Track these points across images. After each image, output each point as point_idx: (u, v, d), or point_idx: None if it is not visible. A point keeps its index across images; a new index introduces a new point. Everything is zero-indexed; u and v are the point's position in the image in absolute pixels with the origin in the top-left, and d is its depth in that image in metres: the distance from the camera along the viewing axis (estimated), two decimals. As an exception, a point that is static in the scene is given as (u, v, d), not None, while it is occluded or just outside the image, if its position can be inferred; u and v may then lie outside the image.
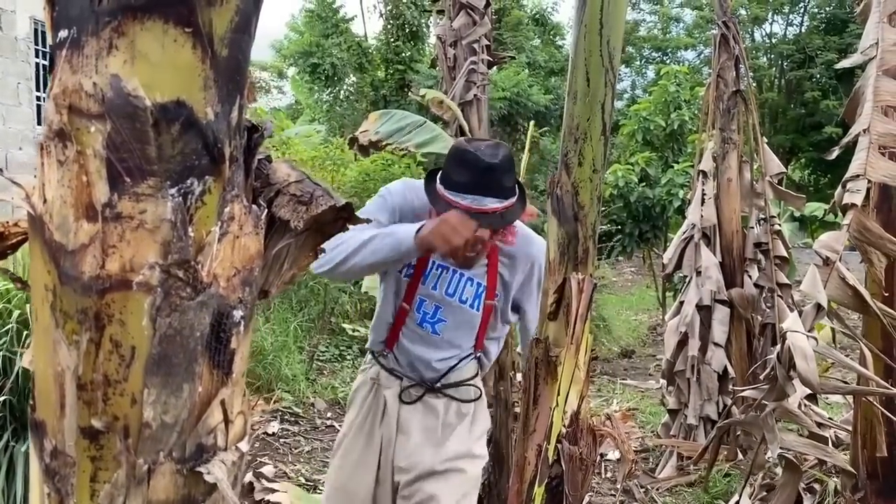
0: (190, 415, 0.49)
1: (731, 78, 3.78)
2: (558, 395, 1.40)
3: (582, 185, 1.32)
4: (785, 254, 3.81)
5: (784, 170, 3.77)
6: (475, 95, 3.36)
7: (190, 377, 0.49)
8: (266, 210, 0.54)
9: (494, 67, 3.93)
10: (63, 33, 0.44)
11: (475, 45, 3.57)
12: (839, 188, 2.14)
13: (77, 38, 0.44)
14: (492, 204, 1.59)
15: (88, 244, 0.45)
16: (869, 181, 2.11)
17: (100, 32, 0.43)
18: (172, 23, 0.44)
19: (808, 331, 2.05)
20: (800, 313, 2.16)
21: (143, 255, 0.45)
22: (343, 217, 0.57)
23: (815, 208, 9.87)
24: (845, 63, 2.39)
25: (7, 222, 0.53)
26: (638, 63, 23.54)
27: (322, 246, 0.58)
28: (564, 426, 1.44)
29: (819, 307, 2.08)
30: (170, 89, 0.44)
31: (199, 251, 0.47)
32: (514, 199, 1.64)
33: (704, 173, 3.84)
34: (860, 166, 2.10)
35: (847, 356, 2.36)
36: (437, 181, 1.66)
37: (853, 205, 2.06)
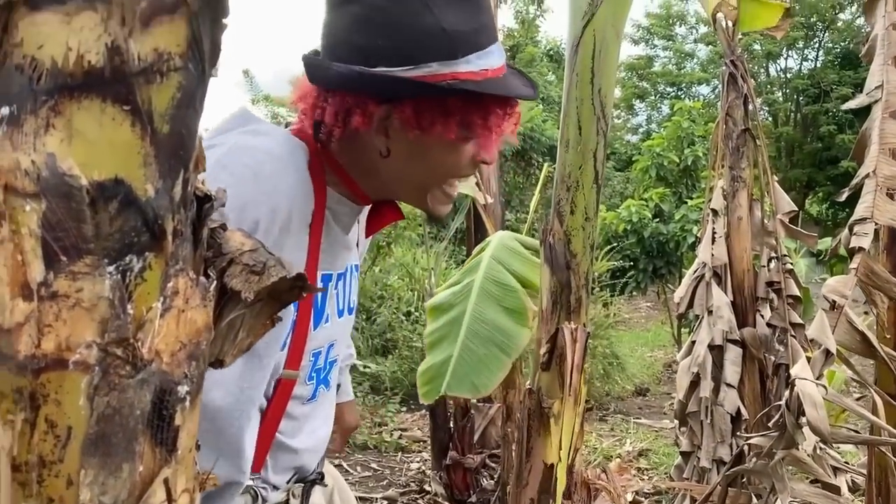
0: (130, 495, 0.48)
1: (739, 116, 3.76)
2: (560, 448, 1.38)
3: (574, 233, 1.31)
4: (798, 293, 3.75)
5: (795, 208, 3.74)
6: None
7: (130, 456, 0.47)
8: (217, 281, 0.53)
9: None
10: (4, 111, 0.44)
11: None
12: (846, 230, 2.12)
13: (17, 115, 0.44)
14: (500, 61, 1.01)
15: (24, 323, 0.44)
16: (877, 224, 2.09)
17: (38, 111, 0.43)
18: (110, 101, 0.43)
19: (818, 377, 2.01)
20: (808, 359, 2.12)
21: (80, 334, 0.45)
22: (298, 286, 0.56)
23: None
24: (851, 104, 2.39)
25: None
26: (653, 98, 23.65)
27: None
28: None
29: (828, 353, 2.04)
30: (108, 167, 0.44)
31: (140, 328, 0.47)
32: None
33: (715, 211, 3.82)
34: (867, 209, 2.07)
35: (860, 403, 2.31)
36: (398, 66, 0.94)
37: (860, 248, 2.03)
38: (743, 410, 3.81)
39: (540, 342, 1.37)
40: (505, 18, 19.10)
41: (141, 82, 0.44)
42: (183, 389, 0.50)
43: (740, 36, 4.08)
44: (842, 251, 2.13)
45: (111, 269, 0.45)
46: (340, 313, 1.11)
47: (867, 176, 2.13)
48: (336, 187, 1.05)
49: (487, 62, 0.96)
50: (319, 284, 1.02)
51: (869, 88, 2.25)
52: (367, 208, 1.11)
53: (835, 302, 2.02)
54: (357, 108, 0.96)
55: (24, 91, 0.44)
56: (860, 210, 2.09)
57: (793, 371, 1.88)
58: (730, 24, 3.90)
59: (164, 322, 0.48)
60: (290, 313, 0.98)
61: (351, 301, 1.15)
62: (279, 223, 0.92)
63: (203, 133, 0.59)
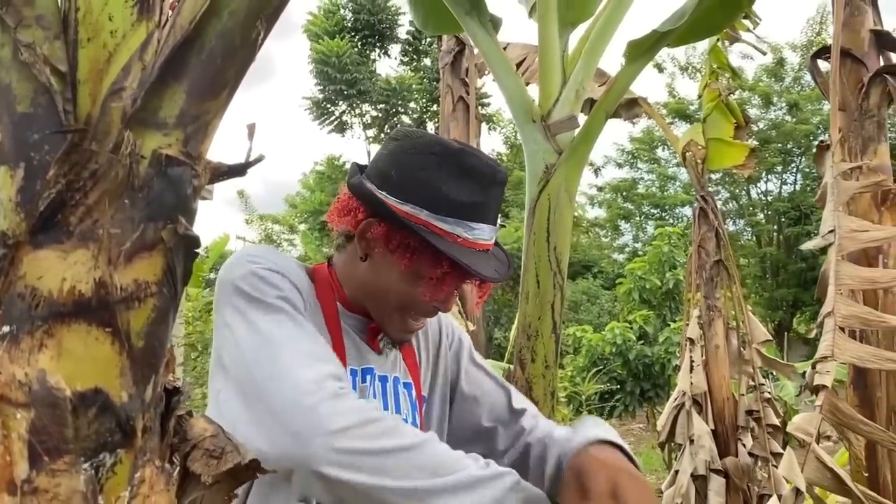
0: None
1: (711, 248, 3.93)
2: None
3: (535, 380, 1.39)
4: (777, 422, 3.79)
5: (770, 337, 3.84)
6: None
7: None
8: (180, 465, 0.60)
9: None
10: (5, 329, 0.53)
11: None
12: (810, 368, 2.20)
13: (16, 334, 0.52)
14: (486, 238, 1.11)
15: (7, 515, 0.51)
16: (838, 362, 2.17)
17: (34, 332, 0.52)
18: (95, 324, 0.52)
19: (787, 516, 2.03)
20: (779, 497, 2.14)
21: (55, 524, 0.51)
22: (253, 466, 0.63)
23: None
24: (810, 245, 2.51)
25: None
26: (637, 218, 24.20)
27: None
28: None
29: (798, 491, 2.07)
30: (89, 379, 0.52)
31: (109, 516, 0.53)
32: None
33: (692, 340, 3.91)
34: (828, 348, 2.16)
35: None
36: (393, 196, 1.09)
37: (823, 386, 2.10)
38: (729, 543, 3.76)
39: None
40: (495, 143, 19.83)
41: (122, 308, 0.53)
42: (145, 569, 0.56)
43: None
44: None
45: (86, 465, 0.52)
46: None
47: (827, 315, 2.23)
48: (343, 303, 1.17)
49: (471, 235, 1.08)
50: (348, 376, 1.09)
51: (823, 232, 2.39)
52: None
53: (802, 440, 2.07)
54: (352, 211, 1.13)
55: (23, 315, 0.53)
56: (822, 349, 2.17)
57: (761, 511, 1.90)
58: (699, 161, 4.13)
59: (130, 508, 0.55)
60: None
61: (405, 414, 1.17)
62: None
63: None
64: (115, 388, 0.53)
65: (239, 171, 0.59)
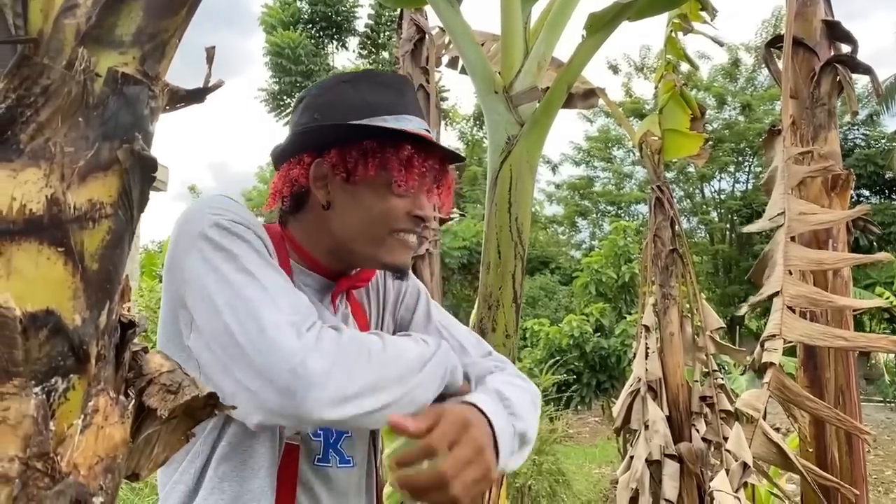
0: None
1: (667, 237, 3.99)
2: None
3: (496, 349, 1.39)
4: (730, 408, 3.87)
5: (723, 325, 3.91)
6: (427, 250, 3.50)
7: (42, 565, 0.51)
8: (136, 400, 0.59)
9: (454, 220, 4.12)
10: (-50, 248, 0.51)
11: (427, 205, 3.74)
12: (758, 347, 2.25)
13: (-38, 254, 0.50)
14: (420, 127, 1.13)
15: (-49, 440, 0.49)
16: (785, 341, 2.21)
17: (-19, 251, 0.50)
18: (46, 243, 0.51)
19: (736, 490, 2.07)
20: (727, 471, 2.19)
21: (4, 450, 0.50)
22: (211, 404, 0.62)
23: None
24: (753, 227, 2.56)
25: None
26: (594, 215, 24.49)
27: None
28: None
29: (745, 465, 2.12)
30: (40, 300, 0.50)
31: (60, 443, 0.52)
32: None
33: (647, 327, 3.97)
34: (776, 326, 2.21)
35: (785, 515, 2.37)
36: (315, 120, 1.11)
37: (770, 363, 2.15)
38: (682, 526, 3.82)
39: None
40: (450, 139, 19.86)
41: (75, 228, 0.52)
42: (98, 500, 0.54)
43: (675, 160, 4.39)
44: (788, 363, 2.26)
45: (37, 389, 0.51)
46: None
47: (775, 294, 2.28)
48: (298, 262, 1.16)
49: (406, 124, 1.11)
50: None
51: (771, 215, 2.44)
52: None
53: (750, 416, 2.11)
54: (296, 165, 1.13)
55: (-30, 234, 0.51)
56: (770, 327, 2.22)
57: (712, 483, 1.94)
58: (655, 152, 4.19)
59: (83, 437, 0.54)
60: None
61: None
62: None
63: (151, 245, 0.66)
64: (68, 311, 0.52)
65: (198, 96, 0.58)
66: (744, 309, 2.20)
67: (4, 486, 0.50)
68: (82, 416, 0.54)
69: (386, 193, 1.10)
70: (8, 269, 0.50)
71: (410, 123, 1.11)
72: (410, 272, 1.21)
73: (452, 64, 3.89)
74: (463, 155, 1.18)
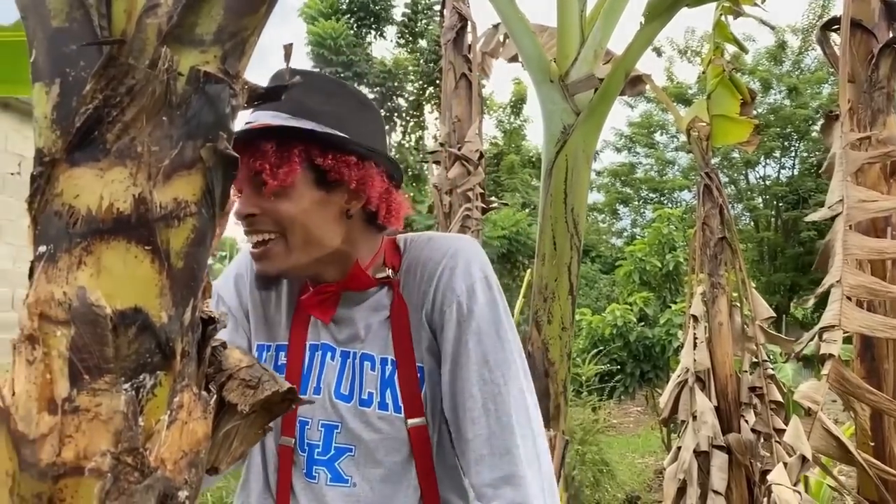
0: None
1: (716, 225, 3.92)
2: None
3: (552, 342, 1.38)
4: (780, 398, 3.80)
5: (773, 314, 3.84)
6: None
7: (133, 557, 0.52)
8: (216, 395, 0.60)
9: (494, 208, 4.11)
10: (42, 248, 0.52)
11: (469, 193, 3.73)
12: (816, 338, 2.19)
13: (53, 253, 0.51)
14: (267, 119, 1.00)
15: (48, 434, 0.50)
16: (845, 331, 2.16)
17: (72, 250, 0.51)
18: (134, 242, 0.51)
19: (794, 483, 2.03)
20: (785, 465, 2.15)
21: (97, 444, 0.51)
22: (289, 398, 0.62)
23: (818, 347, 9.84)
24: (815, 217, 2.50)
25: (-21, 411, 0.59)
26: (636, 203, 24.18)
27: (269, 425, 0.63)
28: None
29: (804, 459, 2.07)
30: (128, 298, 0.51)
31: (148, 438, 0.53)
32: (315, 125, 1.00)
33: (695, 317, 3.91)
34: (834, 317, 2.16)
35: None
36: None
37: (830, 355, 2.10)
38: (731, 518, 3.78)
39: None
40: (489, 128, 19.79)
41: (161, 226, 0.52)
42: (183, 494, 0.55)
43: (719, 146, 4.30)
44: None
45: (126, 386, 0.52)
46: (338, 394, 1.08)
47: (833, 285, 2.23)
48: None
49: (253, 117, 1.02)
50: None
51: (830, 203, 2.38)
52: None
53: (809, 408, 2.07)
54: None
55: (60, 233, 0.52)
56: (828, 317, 2.17)
57: (770, 477, 1.90)
58: (703, 138, 4.11)
59: (169, 433, 0.54)
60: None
61: (368, 393, 1.09)
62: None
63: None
64: (155, 308, 0.52)
65: (275, 93, 0.58)
66: (810, 302, 2.14)
67: (97, 479, 0.51)
68: (168, 412, 0.54)
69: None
70: (98, 268, 0.51)
71: (256, 115, 1.02)
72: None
73: (505, 56, 3.87)
74: (270, 123, 1.00)
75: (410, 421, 1.06)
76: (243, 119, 1.01)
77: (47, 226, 0.52)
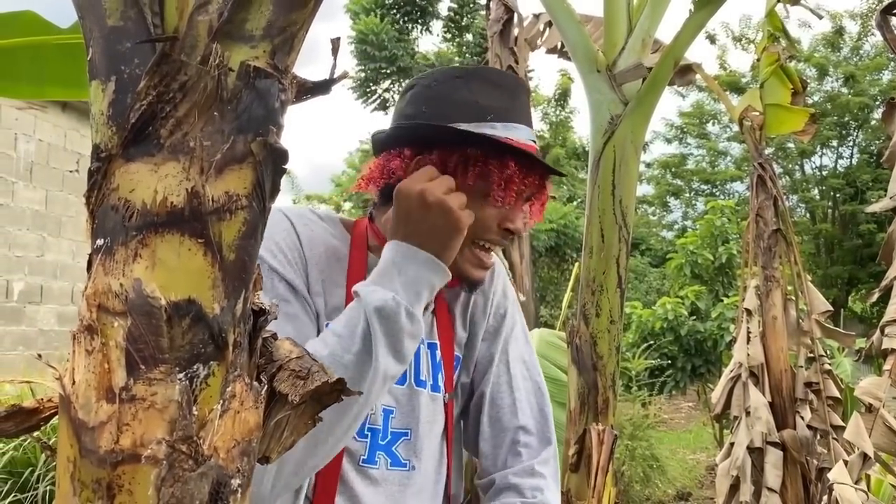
0: (187, 579, 0.54)
1: (770, 217, 3.82)
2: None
3: (600, 335, 1.37)
4: (837, 394, 3.69)
5: (830, 308, 3.73)
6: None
7: (188, 543, 0.53)
8: (267, 385, 0.60)
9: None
10: (99, 242, 0.53)
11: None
12: (878, 333, 2.13)
13: (110, 246, 0.53)
14: (528, 138, 1.10)
15: (106, 422, 0.51)
16: (902, 326, 2.09)
17: (128, 243, 0.52)
18: (188, 235, 0.52)
19: (856, 481, 1.98)
20: (845, 462, 2.09)
21: (153, 432, 0.52)
22: (338, 389, 0.63)
23: (878, 342, 9.55)
24: (875, 207, 2.42)
25: (42, 399, 0.61)
26: (687, 195, 23.75)
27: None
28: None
29: (865, 456, 2.01)
30: (183, 289, 0.52)
31: (202, 427, 0.54)
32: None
33: (749, 311, 3.82)
34: (897, 311, 2.09)
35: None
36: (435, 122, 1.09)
37: (893, 350, 2.04)
38: (786, 517, 3.69)
39: (568, 443, 1.40)
40: (534, 121, 19.65)
41: (213, 219, 0.53)
42: (235, 482, 0.56)
43: (773, 136, 4.19)
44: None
45: (181, 375, 0.53)
46: (403, 380, 1.13)
47: None
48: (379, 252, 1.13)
49: (514, 134, 1.08)
50: None
51: (892, 192, 2.30)
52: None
53: (871, 404, 2.01)
54: (396, 156, 1.11)
55: (117, 226, 0.53)
56: (891, 311, 2.10)
57: (830, 475, 1.85)
58: (757, 128, 4.01)
59: (222, 422, 0.55)
60: None
61: (424, 375, 1.16)
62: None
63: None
64: (208, 300, 0.53)
65: (324, 87, 0.59)
66: (875, 296, 2.08)
67: (153, 467, 0.53)
68: (221, 402, 0.55)
69: (481, 203, 1.08)
70: (153, 261, 0.52)
71: (517, 133, 1.09)
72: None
73: (546, 46, 3.83)
74: (563, 172, 1.18)
75: (446, 397, 1.17)
76: (510, 131, 1.10)
77: (104, 220, 0.54)
